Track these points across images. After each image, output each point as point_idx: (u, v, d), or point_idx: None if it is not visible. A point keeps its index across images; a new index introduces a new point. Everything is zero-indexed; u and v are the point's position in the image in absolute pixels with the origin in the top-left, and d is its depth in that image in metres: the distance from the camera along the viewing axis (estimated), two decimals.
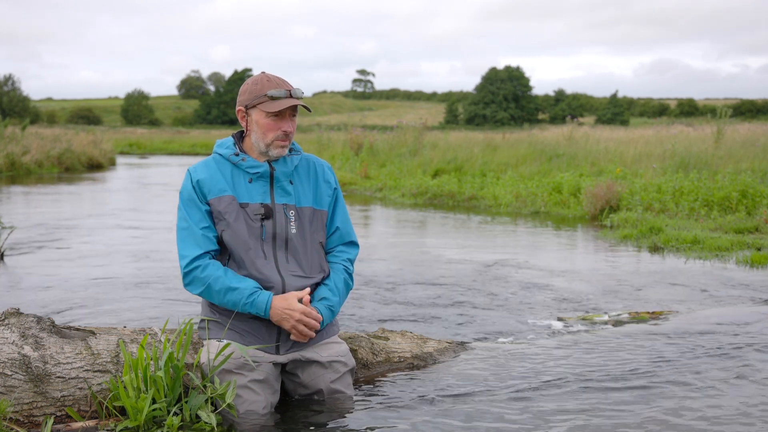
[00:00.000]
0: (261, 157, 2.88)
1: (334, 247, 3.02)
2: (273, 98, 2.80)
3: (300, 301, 2.76)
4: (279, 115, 2.81)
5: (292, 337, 2.77)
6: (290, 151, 2.95)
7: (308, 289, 2.78)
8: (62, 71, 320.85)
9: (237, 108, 2.91)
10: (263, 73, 2.88)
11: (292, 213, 2.88)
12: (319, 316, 2.77)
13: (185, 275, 2.78)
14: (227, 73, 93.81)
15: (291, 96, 2.82)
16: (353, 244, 3.06)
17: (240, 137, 2.96)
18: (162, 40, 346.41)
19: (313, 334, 2.77)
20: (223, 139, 2.98)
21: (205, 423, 2.56)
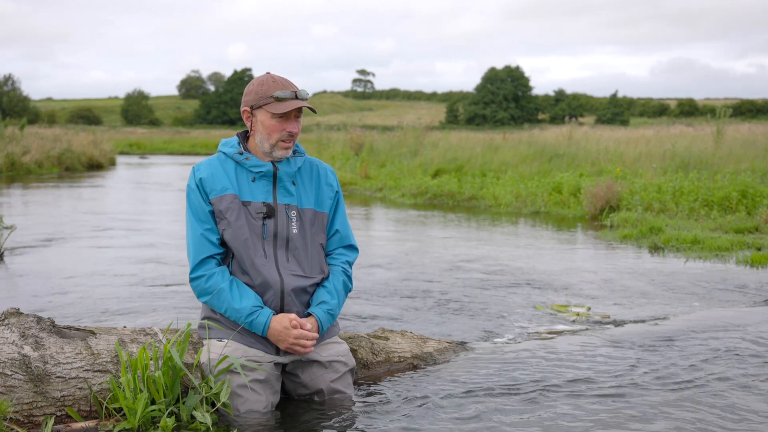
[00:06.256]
0: (264, 158, 2.88)
1: (334, 249, 3.03)
2: (279, 100, 2.80)
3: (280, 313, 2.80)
4: (284, 116, 2.82)
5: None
6: (294, 152, 2.96)
7: (315, 326, 2.80)
8: (74, 71, 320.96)
9: (242, 108, 2.91)
10: (268, 73, 2.88)
11: (293, 213, 2.88)
12: (315, 335, 2.78)
13: (190, 281, 2.82)
14: (227, 73, 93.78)
15: (297, 97, 2.82)
16: (352, 247, 3.07)
17: (245, 137, 2.96)
18: (179, 39, 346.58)
19: (310, 349, 2.78)
20: (228, 138, 2.99)
21: (201, 423, 2.56)
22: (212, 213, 2.84)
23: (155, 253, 7.05)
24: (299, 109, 2.85)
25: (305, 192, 2.94)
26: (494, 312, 4.73)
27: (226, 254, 2.86)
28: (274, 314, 2.76)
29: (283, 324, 2.73)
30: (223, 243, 2.85)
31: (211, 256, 2.81)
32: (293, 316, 2.75)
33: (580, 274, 6.09)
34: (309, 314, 2.84)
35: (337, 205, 3.04)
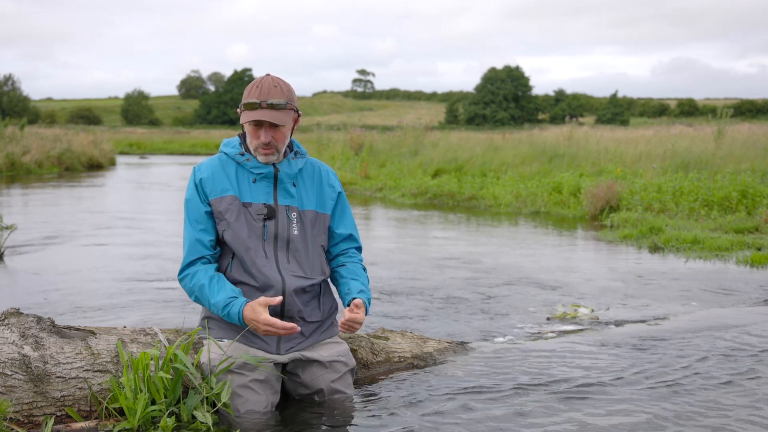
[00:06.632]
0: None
1: (348, 249, 3.06)
2: (247, 108, 2.79)
3: (281, 313, 2.77)
4: (257, 124, 2.80)
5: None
6: (295, 154, 2.96)
7: (280, 298, 2.70)
8: (74, 71, 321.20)
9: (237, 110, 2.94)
10: (267, 75, 2.87)
11: (294, 215, 2.88)
12: (289, 325, 2.65)
13: (179, 282, 2.84)
14: (227, 73, 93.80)
15: (267, 106, 2.76)
16: (360, 248, 3.13)
17: (245, 137, 2.96)
18: (179, 39, 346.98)
19: (290, 331, 2.65)
20: (229, 138, 2.99)
21: (201, 423, 2.56)
22: (209, 214, 2.83)
23: (155, 251, 7.05)
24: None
25: (306, 193, 2.94)
26: (494, 312, 4.73)
27: (223, 254, 2.86)
28: (247, 302, 2.69)
29: (255, 311, 2.65)
30: (219, 243, 2.86)
31: (201, 257, 2.81)
32: (263, 299, 2.66)
33: (580, 274, 6.09)
34: (354, 298, 2.84)
35: (345, 207, 3.06)
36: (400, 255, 7.00)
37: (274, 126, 2.80)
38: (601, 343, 3.73)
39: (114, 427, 2.54)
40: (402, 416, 2.75)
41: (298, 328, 2.68)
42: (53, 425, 2.53)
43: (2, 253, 6.59)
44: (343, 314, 2.80)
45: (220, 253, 2.88)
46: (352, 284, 2.93)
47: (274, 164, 2.87)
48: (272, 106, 2.77)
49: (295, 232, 2.87)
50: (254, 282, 2.79)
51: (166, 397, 2.60)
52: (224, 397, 2.60)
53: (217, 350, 2.74)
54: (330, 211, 3.00)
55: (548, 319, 4.51)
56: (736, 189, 9.38)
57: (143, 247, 7.44)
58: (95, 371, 2.64)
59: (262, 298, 2.67)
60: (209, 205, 2.84)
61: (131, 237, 8.20)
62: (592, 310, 4.71)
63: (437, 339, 3.59)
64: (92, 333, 2.79)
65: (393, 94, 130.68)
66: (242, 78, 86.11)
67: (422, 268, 6.28)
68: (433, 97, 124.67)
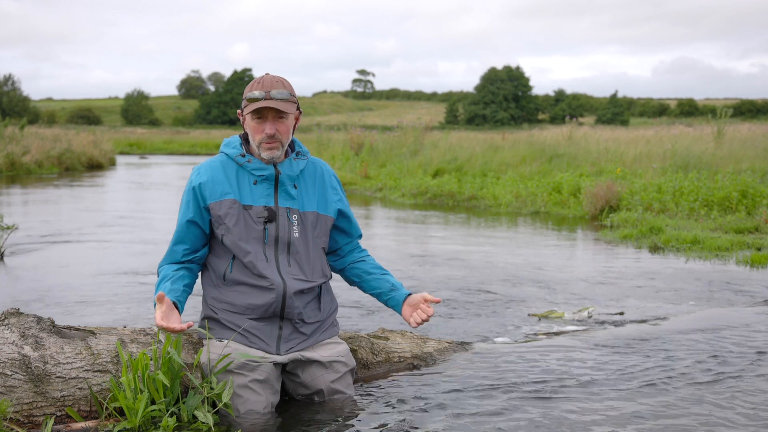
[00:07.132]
0: (265, 159, 2.88)
1: (357, 244, 3.17)
2: (250, 101, 2.79)
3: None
4: (261, 117, 2.80)
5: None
6: (297, 154, 2.96)
7: (161, 293, 2.65)
8: (76, 71, 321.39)
9: (238, 110, 2.94)
10: (266, 74, 2.87)
11: (295, 217, 2.87)
12: (170, 327, 2.56)
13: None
14: (228, 73, 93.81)
15: (270, 98, 2.77)
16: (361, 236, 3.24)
17: (246, 138, 2.96)
18: (182, 40, 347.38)
19: (174, 330, 2.58)
20: (230, 138, 2.98)
21: (202, 423, 2.56)
22: (190, 223, 2.85)
23: (155, 249, 7.05)
24: (280, 111, 2.80)
25: (308, 195, 2.94)
26: (494, 312, 4.73)
27: (223, 255, 2.87)
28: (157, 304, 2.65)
29: (159, 310, 2.62)
30: (218, 245, 2.87)
31: (172, 262, 2.89)
32: (160, 294, 2.63)
33: (580, 273, 6.09)
34: (409, 294, 3.03)
35: (348, 207, 3.08)
36: (399, 255, 7.00)
37: (278, 118, 2.81)
38: (601, 344, 3.73)
39: (114, 427, 2.54)
40: (402, 416, 2.75)
41: (181, 327, 2.58)
42: (53, 425, 2.53)
43: (2, 253, 6.59)
44: (416, 312, 2.96)
45: (221, 254, 2.89)
46: (392, 280, 3.09)
47: (275, 165, 2.87)
48: (276, 98, 2.79)
49: (296, 235, 2.87)
50: (255, 283, 2.79)
51: (165, 396, 2.60)
52: (225, 397, 2.60)
53: (217, 350, 2.74)
54: (333, 214, 3.00)
55: (529, 315, 4.57)
56: (736, 189, 9.38)
57: (143, 245, 7.45)
58: (95, 371, 2.64)
59: (157, 296, 2.63)
60: (207, 209, 2.84)
61: (131, 235, 8.21)
62: (590, 312, 4.71)
63: (437, 339, 3.60)
64: (92, 333, 2.79)
65: (393, 94, 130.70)
66: (242, 78, 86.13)
67: (421, 268, 6.29)
68: (433, 97, 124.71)
